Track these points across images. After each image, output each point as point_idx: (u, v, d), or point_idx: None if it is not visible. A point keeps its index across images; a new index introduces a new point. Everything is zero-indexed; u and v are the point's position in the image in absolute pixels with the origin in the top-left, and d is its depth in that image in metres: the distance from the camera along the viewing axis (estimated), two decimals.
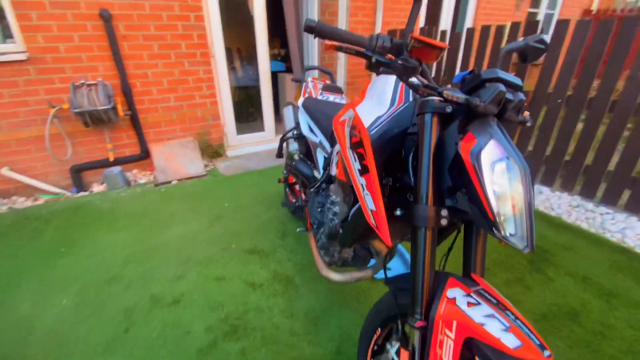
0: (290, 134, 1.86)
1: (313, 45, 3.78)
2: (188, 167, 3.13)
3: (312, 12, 3.63)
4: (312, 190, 1.57)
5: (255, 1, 3.28)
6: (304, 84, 1.99)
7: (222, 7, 3.11)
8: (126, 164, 3.07)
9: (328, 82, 1.99)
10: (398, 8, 4.19)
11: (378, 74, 0.85)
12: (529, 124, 0.78)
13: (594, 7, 6.92)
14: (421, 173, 0.78)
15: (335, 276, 1.28)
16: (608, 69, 2.28)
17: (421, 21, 4.49)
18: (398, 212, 0.88)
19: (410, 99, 0.99)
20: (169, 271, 1.80)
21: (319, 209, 1.39)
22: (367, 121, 0.93)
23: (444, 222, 0.78)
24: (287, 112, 2.00)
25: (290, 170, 2.02)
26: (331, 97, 1.83)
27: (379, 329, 1.00)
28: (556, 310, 1.52)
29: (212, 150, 3.51)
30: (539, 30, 2.56)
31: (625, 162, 2.28)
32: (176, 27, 2.94)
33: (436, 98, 0.79)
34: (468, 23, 5.09)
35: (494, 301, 0.70)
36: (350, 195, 1.15)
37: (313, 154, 1.67)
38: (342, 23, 3.34)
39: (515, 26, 2.63)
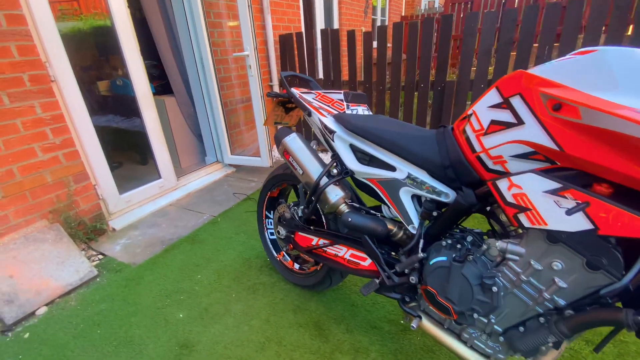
0: (324, 179, 1.16)
1: (205, 49, 2.88)
2: (59, 275, 1.78)
3: (197, 15, 2.74)
4: (430, 258, 0.98)
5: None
6: (296, 96, 1.31)
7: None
8: None
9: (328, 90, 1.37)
10: (280, 11, 3.78)
11: None
12: None
13: (403, 13, 8.56)
14: None
15: None
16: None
17: (301, 23, 4.23)
18: None
19: None
20: None
21: (491, 285, 0.84)
22: None
23: None
24: (294, 142, 1.26)
25: (324, 230, 1.31)
26: (360, 110, 1.25)
27: None
28: None
29: (86, 231, 2.16)
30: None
31: None
32: None
33: None
34: (335, 24, 5.23)
35: None
36: (617, 256, 0.67)
37: (387, 198, 1.07)
38: (246, 24, 2.64)
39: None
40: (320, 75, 3.74)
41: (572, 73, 0.71)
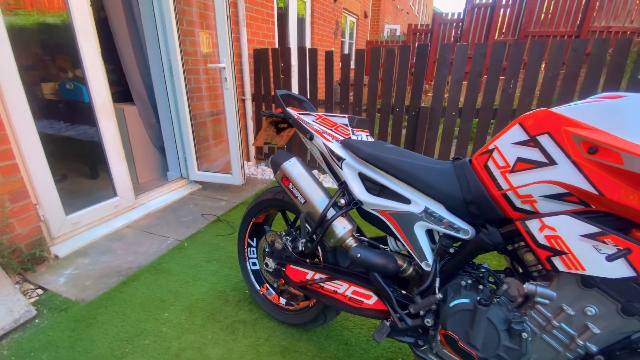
0: (331, 211, 1.05)
1: (175, 58, 2.66)
2: None
3: (168, 20, 2.54)
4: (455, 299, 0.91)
5: None
6: (294, 117, 1.22)
7: None
8: None
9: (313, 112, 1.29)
10: (255, 25, 3.69)
11: None
12: None
13: (368, 38, 8.96)
14: None
15: None
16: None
17: (276, 40, 4.17)
18: None
19: None
20: None
21: (520, 331, 0.79)
22: None
23: None
24: (295, 167, 1.14)
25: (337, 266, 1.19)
26: (363, 136, 1.18)
27: None
28: None
29: (22, 259, 1.81)
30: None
31: None
32: None
33: None
34: (307, 43, 5.26)
35: None
36: None
37: (399, 232, 0.99)
38: (224, 35, 2.49)
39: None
40: (295, 92, 3.68)
41: (602, 116, 0.70)
